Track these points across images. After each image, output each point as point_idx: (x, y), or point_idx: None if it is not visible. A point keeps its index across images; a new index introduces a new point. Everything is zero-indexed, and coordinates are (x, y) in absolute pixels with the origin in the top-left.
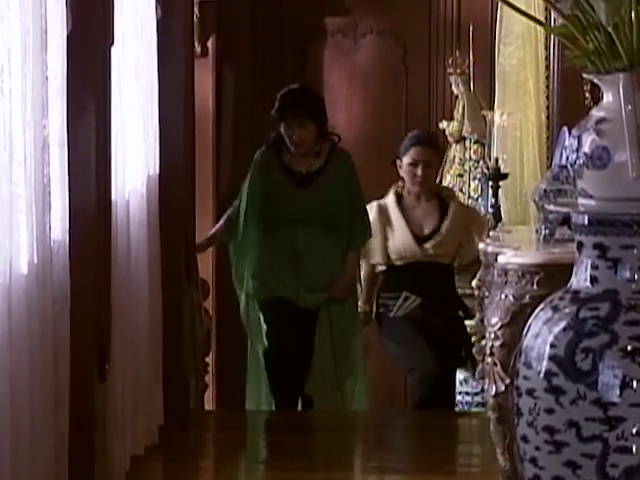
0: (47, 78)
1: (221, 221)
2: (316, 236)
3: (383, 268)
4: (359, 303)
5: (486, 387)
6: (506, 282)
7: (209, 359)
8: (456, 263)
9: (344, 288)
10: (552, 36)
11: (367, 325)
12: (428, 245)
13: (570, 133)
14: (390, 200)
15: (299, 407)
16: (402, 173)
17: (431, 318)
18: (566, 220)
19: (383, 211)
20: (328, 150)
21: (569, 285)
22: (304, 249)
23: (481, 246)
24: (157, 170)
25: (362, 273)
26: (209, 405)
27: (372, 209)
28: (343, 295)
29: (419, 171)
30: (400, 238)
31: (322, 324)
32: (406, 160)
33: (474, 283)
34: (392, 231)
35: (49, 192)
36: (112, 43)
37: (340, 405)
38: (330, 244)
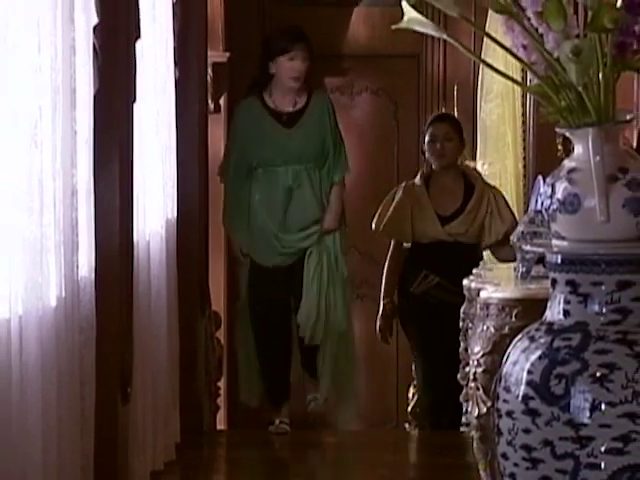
0: (75, 132)
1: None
2: (305, 172)
3: (409, 246)
4: (381, 302)
5: (470, 409)
6: (487, 315)
7: (221, 383)
8: (483, 244)
9: (333, 219)
10: (528, 95)
11: (390, 320)
12: (451, 225)
13: (544, 181)
14: (418, 180)
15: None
16: (426, 152)
17: (447, 297)
18: (541, 259)
19: (409, 191)
20: (308, 92)
21: (544, 318)
22: (295, 186)
23: (465, 282)
24: (175, 214)
25: (389, 252)
26: (221, 425)
27: (399, 189)
28: (333, 226)
29: (438, 145)
30: (424, 218)
31: (311, 259)
32: (427, 138)
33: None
34: (418, 210)
35: (77, 234)
36: (134, 100)
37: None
38: (318, 179)
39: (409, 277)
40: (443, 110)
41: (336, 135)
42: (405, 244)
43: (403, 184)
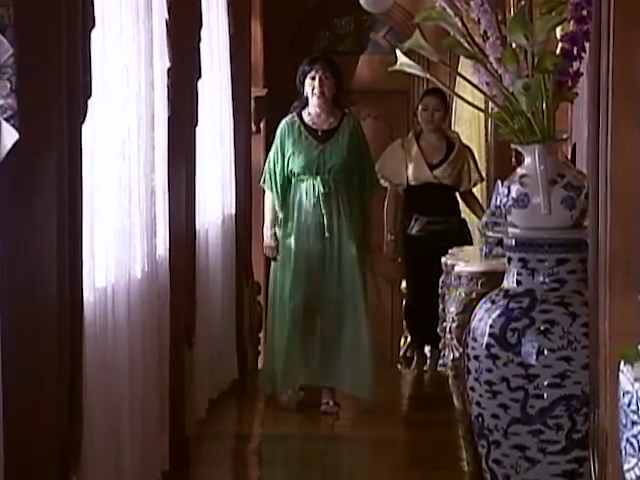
0: (154, 147)
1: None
2: (334, 181)
3: (404, 187)
4: (386, 235)
5: (446, 354)
6: (460, 283)
7: (260, 334)
8: (461, 188)
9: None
10: (490, 120)
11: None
12: (437, 171)
13: (502, 184)
14: (410, 137)
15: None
16: (419, 118)
17: (436, 227)
18: (500, 242)
19: (405, 144)
20: (341, 115)
21: (502, 286)
22: (326, 192)
23: (443, 259)
24: (233, 210)
25: (388, 193)
26: (260, 365)
27: (397, 142)
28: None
29: (429, 113)
30: (417, 165)
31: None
32: (421, 107)
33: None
34: (411, 160)
35: (155, 224)
36: (197, 124)
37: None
38: (344, 189)
39: (405, 221)
40: None
41: (365, 156)
42: (400, 187)
43: (399, 140)
